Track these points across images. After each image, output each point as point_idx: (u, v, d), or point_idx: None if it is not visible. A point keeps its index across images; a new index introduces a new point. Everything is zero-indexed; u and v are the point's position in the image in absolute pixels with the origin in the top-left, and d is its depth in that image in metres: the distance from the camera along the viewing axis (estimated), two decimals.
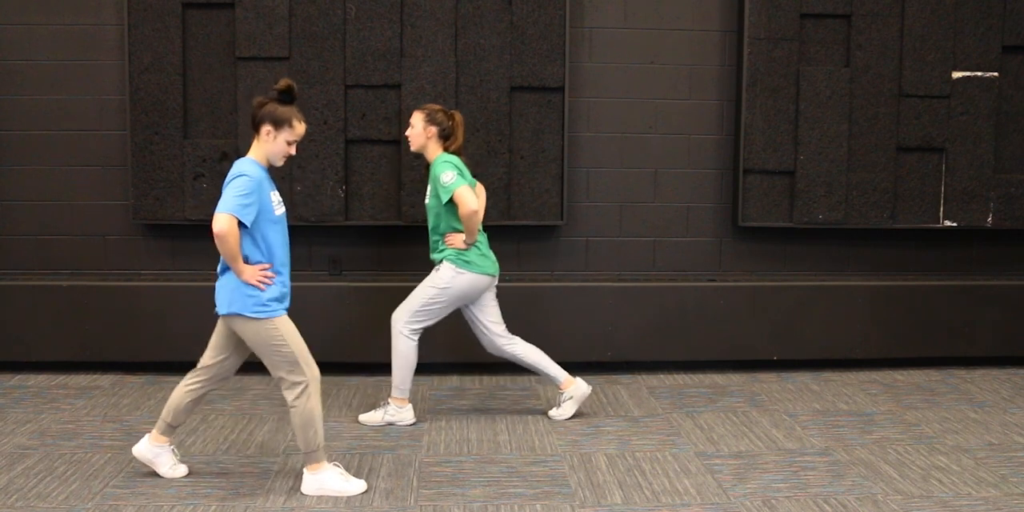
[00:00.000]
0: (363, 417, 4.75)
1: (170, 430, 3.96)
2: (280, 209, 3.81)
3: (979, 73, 5.80)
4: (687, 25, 5.80)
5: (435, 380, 5.54)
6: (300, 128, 3.80)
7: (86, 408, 4.94)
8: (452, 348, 5.52)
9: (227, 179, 3.69)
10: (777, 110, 5.74)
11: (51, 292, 5.49)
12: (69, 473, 4.01)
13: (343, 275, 5.77)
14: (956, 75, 5.79)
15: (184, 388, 3.92)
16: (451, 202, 4.54)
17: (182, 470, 3.99)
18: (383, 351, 5.29)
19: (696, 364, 5.84)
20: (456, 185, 4.49)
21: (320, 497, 3.77)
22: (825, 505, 3.74)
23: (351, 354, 5.57)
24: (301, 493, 3.81)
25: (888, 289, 5.79)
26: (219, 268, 3.78)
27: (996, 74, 5.81)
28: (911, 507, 3.73)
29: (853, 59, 5.74)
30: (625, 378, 5.64)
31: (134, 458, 4.04)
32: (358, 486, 3.84)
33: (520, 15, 5.56)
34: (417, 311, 4.63)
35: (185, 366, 5.13)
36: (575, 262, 5.89)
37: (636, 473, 4.07)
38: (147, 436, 3.97)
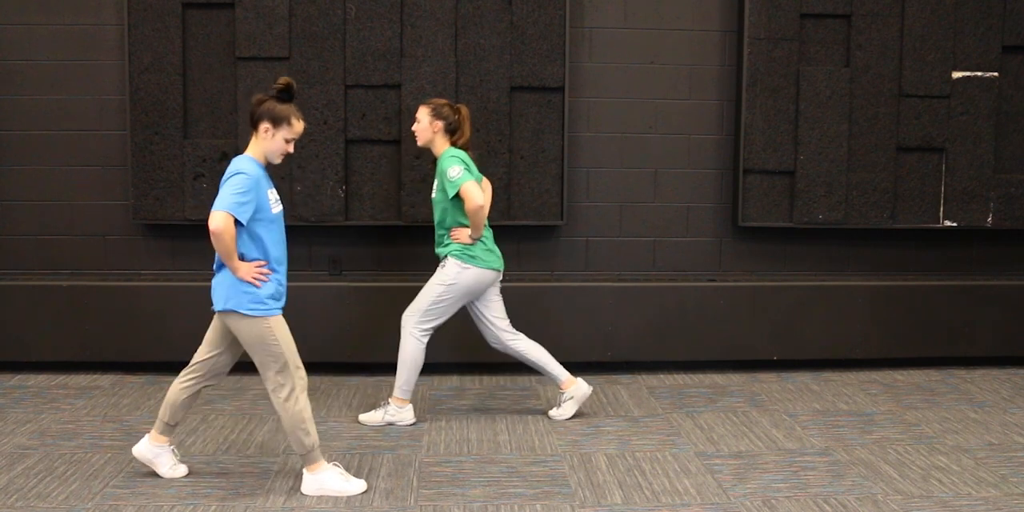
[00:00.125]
0: (363, 417, 4.75)
1: (169, 429, 3.96)
2: (277, 207, 3.81)
3: (979, 73, 5.80)
4: (687, 25, 5.80)
5: (435, 380, 5.54)
6: (298, 126, 3.80)
7: (86, 408, 4.94)
8: (452, 348, 5.52)
9: (224, 177, 3.69)
10: (777, 110, 5.74)
11: (51, 292, 5.49)
12: (69, 473, 4.01)
13: (343, 275, 5.77)
14: (956, 75, 5.79)
15: (179, 385, 3.92)
16: (457, 197, 4.54)
17: (182, 470, 3.99)
18: (383, 351, 5.31)
19: (696, 364, 5.84)
20: (463, 180, 4.49)
21: (320, 497, 3.77)
22: (825, 505, 3.74)
23: (351, 354, 5.58)
24: (301, 493, 3.81)
25: (888, 289, 5.79)
26: (215, 265, 3.78)
27: (996, 74, 5.81)
28: (911, 507, 3.73)
29: (853, 59, 5.74)
30: (625, 378, 5.64)
31: (134, 458, 4.04)
32: (358, 486, 3.84)
33: (520, 15, 5.56)
34: (427, 310, 4.63)
35: (185, 366, 5.15)
36: (575, 262, 5.89)
37: (636, 473, 4.07)
38: (147, 436, 3.97)
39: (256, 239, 3.72)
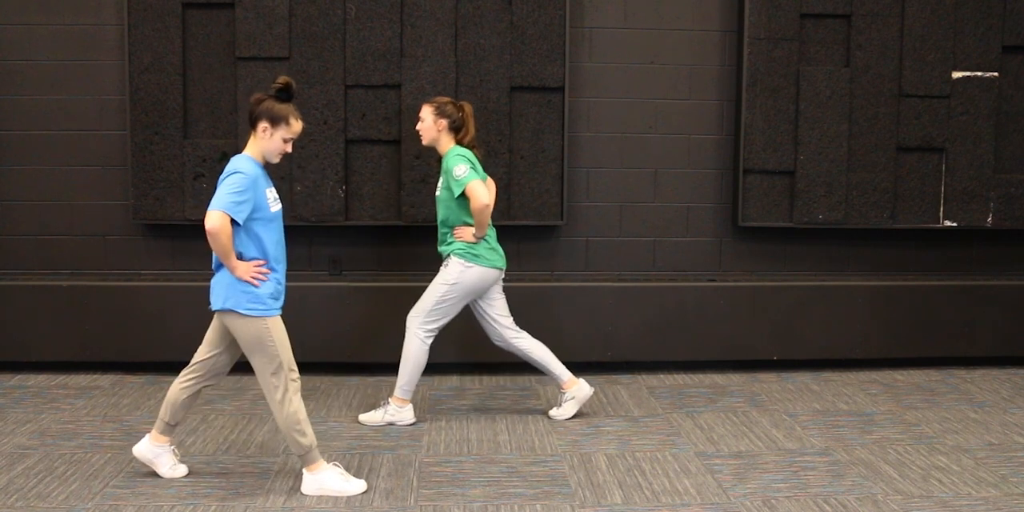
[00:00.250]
0: (363, 417, 4.75)
1: (169, 429, 3.96)
2: (276, 206, 3.80)
3: (979, 73, 5.80)
4: (687, 25, 5.80)
5: (435, 380, 5.53)
6: (297, 126, 3.80)
7: (86, 408, 4.94)
8: (452, 348, 5.51)
9: (222, 176, 3.69)
10: (777, 110, 5.74)
11: (51, 292, 5.49)
12: (69, 473, 4.01)
13: (343, 275, 5.77)
14: (956, 75, 5.79)
15: (179, 385, 3.92)
16: (462, 195, 4.53)
17: (182, 470, 3.99)
18: (383, 351, 5.31)
19: (696, 364, 5.84)
20: (469, 179, 4.49)
21: (320, 497, 3.77)
22: (825, 505, 3.74)
23: (351, 354, 5.57)
24: (301, 493, 3.81)
25: (888, 289, 5.79)
26: (214, 264, 3.78)
27: (996, 74, 5.81)
28: (911, 507, 3.73)
29: (853, 59, 5.74)
30: (625, 378, 5.64)
31: (134, 458, 4.04)
32: (358, 486, 3.84)
33: (520, 15, 5.56)
34: (431, 310, 4.63)
35: (185, 366, 5.14)
36: (575, 262, 5.89)
37: (636, 473, 4.07)
38: (147, 436, 3.97)
39: (254, 238, 3.72)
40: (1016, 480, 4.02)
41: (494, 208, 5.51)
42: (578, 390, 4.83)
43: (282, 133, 3.76)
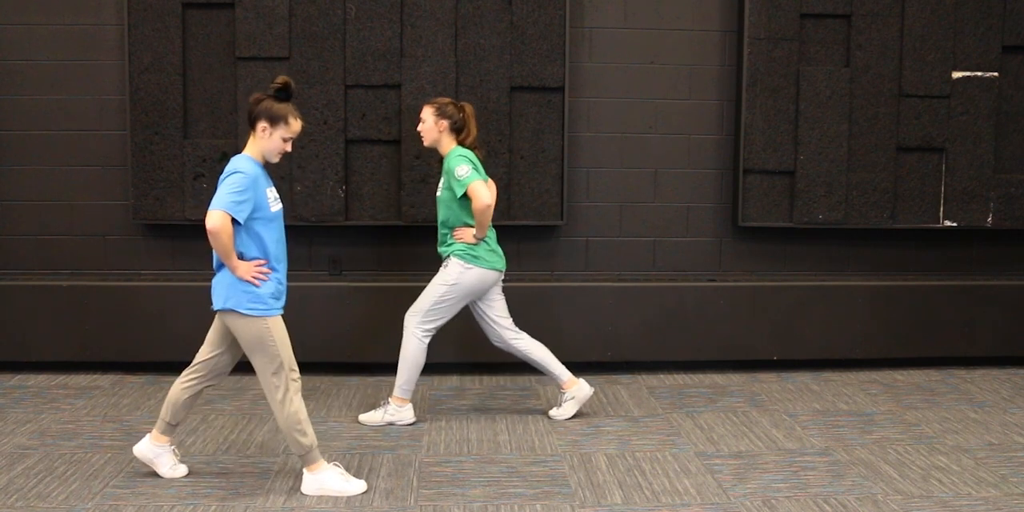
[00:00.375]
0: (363, 417, 4.75)
1: (170, 429, 3.96)
2: (276, 206, 3.80)
3: (979, 73, 5.80)
4: (687, 25, 5.80)
5: (435, 380, 5.54)
6: (296, 125, 3.80)
7: (86, 408, 4.94)
8: (452, 348, 5.52)
9: (222, 176, 3.69)
10: (777, 110, 5.74)
11: (51, 292, 5.49)
12: (69, 473, 4.01)
13: (343, 275, 5.77)
14: (956, 75, 5.79)
15: (180, 385, 3.92)
16: (464, 196, 4.53)
17: (182, 470, 3.99)
18: (383, 351, 5.31)
19: (696, 364, 5.84)
20: (471, 179, 4.48)
21: (320, 497, 3.77)
22: (825, 505, 3.74)
23: (351, 354, 5.57)
24: (301, 493, 3.81)
25: (888, 289, 5.79)
26: (215, 264, 3.78)
27: (996, 74, 5.81)
28: (911, 507, 3.73)
29: (853, 59, 5.74)
30: (625, 378, 5.64)
31: (134, 458, 4.04)
32: (358, 486, 3.84)
33: (520, 15, 5.56)
34: (429, 310, 4.63)
35: (185, 366, 5.13)
36: (575, 262, 5.89)
37: (636, 473, 4.07)
38: (148, 436, 3.98)
39: (255, 238, 3.72)
40: (1016, 480, 4.02)
41: (494, 208, 5.52)
42: (578, 390, 4.83)
43: (281, 132, 3.76)
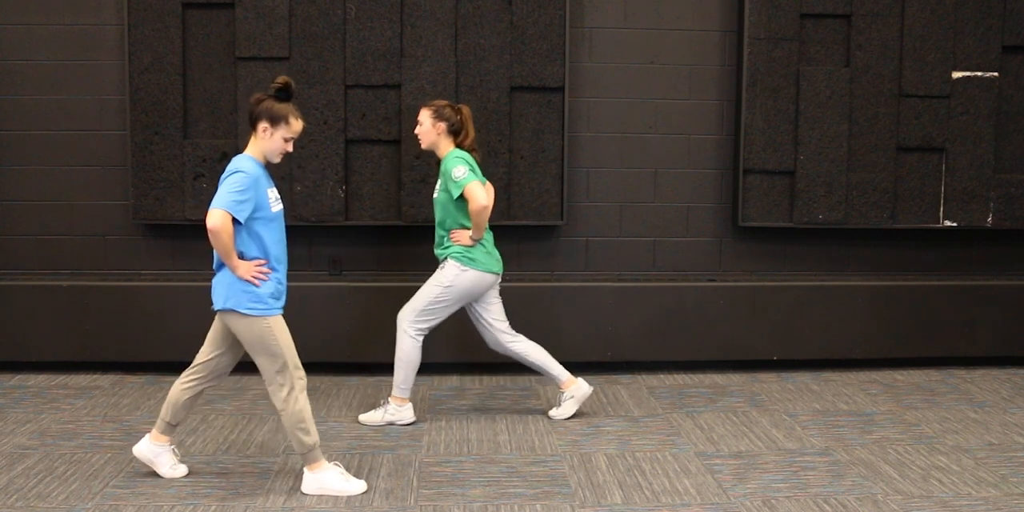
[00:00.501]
0: (363, 417, 4.75)
1: (170, 429, 3.96)
2: (277, 206, 3.81)
3: (979, 73, 5.80)
4: (687, 25, 5.80)
5: (435, 380, 5.54)
6: (297, 125, 3.80)
7: (86, 408, 4.94)
8: (452, 348, 5.52)
9: (223, 175, 3.69)
10: (777, 110, 5.74)
11: (51, 292, 5.49)
12: (69, 473, 4.01)
13: (343, 275, 5.77)
14: (956, 75, 5.79)
15: (181, 386, 3.92)
16: (461, 198, 4.53)
17: (182, 470, 3.99)
18: (383, 351, 5.30)
19: (696, 364, 5.84)
20: (468, 180, 4.48)
21: (320, 497, 3.77)
22: (825, 505, 3.74)
23: (351, 354, 5.58)
24: (301, 493, 3.81)
25: (888, 289, 5.79)
26: (215, 264, 3.78)
27: (996, 74, 5.81)
28: (911, 507, 3.73)
29: (853, 59, 5.74)
30: (625, 378, 5.64)
31: (134, 458, 4.04)
32: (358, 486, 3.84)
33: (520, 15, 5.56)
34: (422, 310, 4.63)
35: (185, 366, 5.13)
36: (575, 262, 5.89)
37: (636, 473, 4.07)
38: (147, 436, 3.98)
39: (255, 237, 3.72)
40: (1016, 480, 4.02)
41: (494, 208, 5.52)
42: (576, 389, 4.83)
43: (282, 132, 3.76)
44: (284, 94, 3.77)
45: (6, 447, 4.32)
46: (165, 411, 3.93)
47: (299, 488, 3.83)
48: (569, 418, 4.83)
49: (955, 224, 5.87)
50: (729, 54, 5.83)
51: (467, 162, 4.55)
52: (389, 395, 4.78)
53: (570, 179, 5.78)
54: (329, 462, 3.89)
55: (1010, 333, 5.86)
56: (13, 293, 5.49)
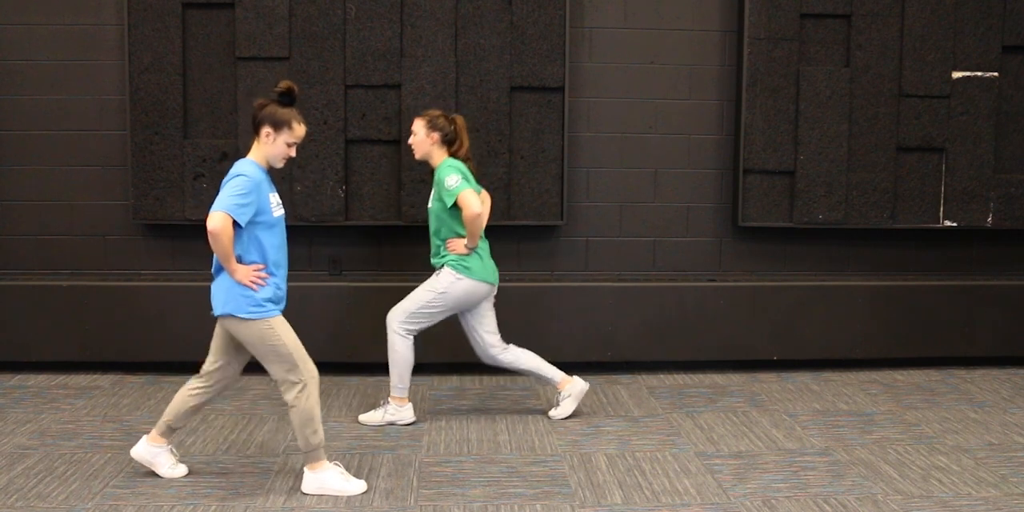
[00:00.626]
0: (363, 417, 4.75)
1: (169, 432, 3.96)
2: (279, 211, 3.80)
3: (979, 73, 5.80)
4: (687, 25, 5.80)
5: (435, 380, 5.54)
6: (300, 130, 3.80)
7: (86, 408, 4.94)
8: (452, 348, 5.51)
9: (226, 178, 3.69)
10: (777, 110, 5.74)
11: (51, 292, 5.49)
12: (69, 473, 4.01)
13: (343, 275, 5.77)
14: (956, 75, 5.79)
15: (187, 391, 3.92)
16: (455, 206, 4.52)
17: (182, 470, 3.99)
18: (383, 351, 5.28)
19: (696, 364, 5.84)
20: (461, 188, 4.47)
21: (320, 497, 3.77)
22: (825, 505, 3.74)
23: (351, 354, 5.58)
24: (301, 493, 3.81)
25: (888, 289, 5.79)
26: (214, 268, 3.77)
27: (996, 74, 5.81)
28: (911, 507, 3.73)
29: (853, 59, 5.74)
30: (625, 378, 5.64)
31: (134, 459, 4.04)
32: (358, 486, 3.84)
33: (520, 15, 5.56)
34: (413, 313, 4.63)
35: (185, 366, 5.14)
36: (575, 262, 5.89)
37: (636, 473, 4.07)
38: (145, 437, 3.97)
39: (255, 242, 3.71)
40: (1016, 480, 4.02)
41: (493, 209, 5.53)
42: (573, 387, 4.83)
43: (285, 137, 3.76)
44: (287, 99, 3.77)
45: (6, 447, 4.32)
46: (168, 414, 3.92)
47: (299, 488, 3.84)
48: (569, 418, 4.83)
49: (955, 224, 5.87)
50: (729, 54, 5.83)
51: (460, 171, 4.54)
52: (389, 395, 4.78)
53: (570, 179, 5.78)
54: (329, 462, 3.89)
55: (1010, 333, 5.86)
56: (13, 293, 5.49)
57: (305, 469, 3.84)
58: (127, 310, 5.49)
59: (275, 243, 3.77)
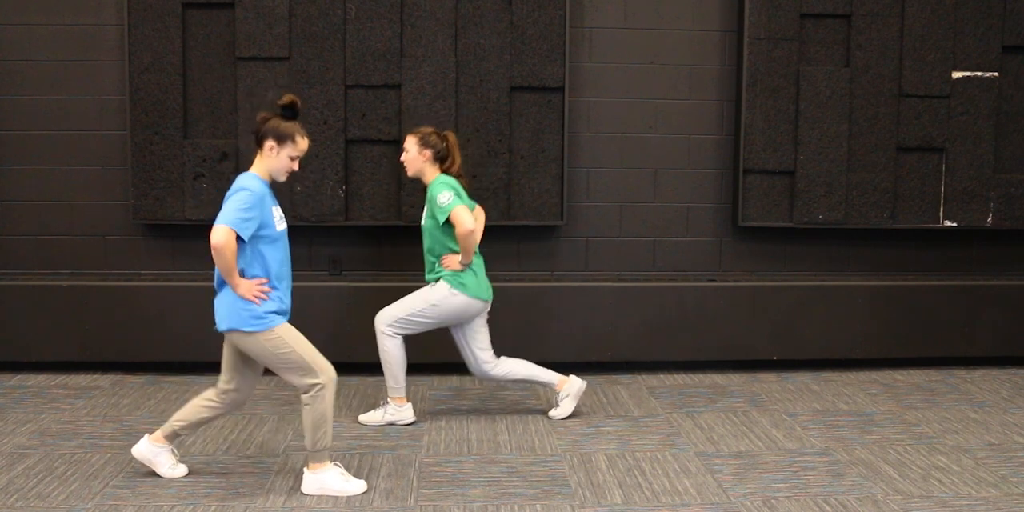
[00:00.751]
0: (363, 417, 4.75)
1: (175, 436, 3.96)
2: (282, 225, 3.80)
3: (979, 73, 5.80)
4: (687, 25, 5.80)
5: (435, 380, 5.54)
6: (303, 144, 3.79)
7: (86, 408, 4.94)
8: (452, 348, 5.49)
9: (228, 193, 3.69)
10: (777, 110, 5.74)
11: (51, 292, 5.49)
12: (69, 473, 4.01)
13: (343, 275, 5.77)
14: (956, 75, 5.79)
15: (201, 401, 3.90)
16: (447, 223, 4.52)
17: (182, 470, 3.99)
18: None
19: (696, 364, 5.84)
20: (453, 205, 4.47)
21: (320, 497, 3.77)
22: (825, 505, 3.74)
23: (351, 354, 5.57)
24: (301, 493, 3.81)
25: (888, 289, 5.79)
26: (216, 283, 3.76)
27: (996, 74, 5.81)
28: (911, 507, 3.73)
29: (853, 59, 5.74)
30: (625, 378, 5.64)
31: (134, 458, 4.03)
32: (358, 486, 3.84)
33: (520, 15, 5.56)
34: (402, 318, 4.62)
35: (185, 366, 5.14)
36: (575, 262, 5.89)
37: (636, 473, 4.07)
38: (146, 436, 3.97)
39: (258, 256, 3.70)
40: (1016, 480, 4.02)
41: (494, 209, 5.54)
42: (570, 386, 4.83)
43: (288, 151, 3.76)
44: (290, 112, 3.77)
45: (6, 447, 4.32)
46: (178, 420, 3.90)
47: (299, 488, 3.84)
48: (569, 417, 4.83)
49: (955, 224, 5.87)
50: (729, 54, 5.83)
51: (452, 187, 4.53)
52: (388, 396, 4.78)
53: (570, 179, 5.78)
54: (330, 462, 3.89)
55: (1010, 333, 5.86)
56: (13, 293, 5.49)
57: (305, 470, 3.84)
58: (127, 310, 5.49)
59: (278, 257, 3.76)
